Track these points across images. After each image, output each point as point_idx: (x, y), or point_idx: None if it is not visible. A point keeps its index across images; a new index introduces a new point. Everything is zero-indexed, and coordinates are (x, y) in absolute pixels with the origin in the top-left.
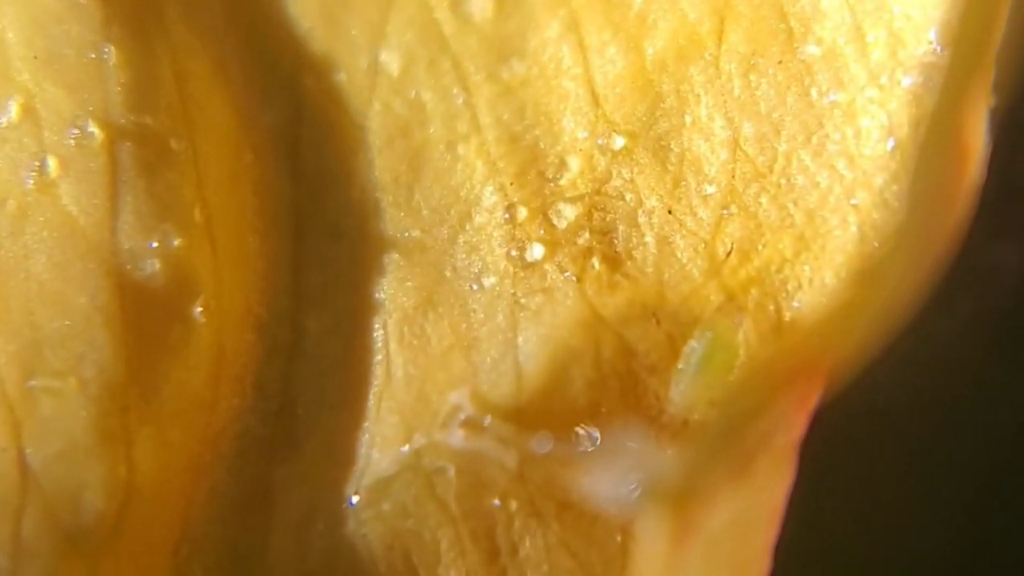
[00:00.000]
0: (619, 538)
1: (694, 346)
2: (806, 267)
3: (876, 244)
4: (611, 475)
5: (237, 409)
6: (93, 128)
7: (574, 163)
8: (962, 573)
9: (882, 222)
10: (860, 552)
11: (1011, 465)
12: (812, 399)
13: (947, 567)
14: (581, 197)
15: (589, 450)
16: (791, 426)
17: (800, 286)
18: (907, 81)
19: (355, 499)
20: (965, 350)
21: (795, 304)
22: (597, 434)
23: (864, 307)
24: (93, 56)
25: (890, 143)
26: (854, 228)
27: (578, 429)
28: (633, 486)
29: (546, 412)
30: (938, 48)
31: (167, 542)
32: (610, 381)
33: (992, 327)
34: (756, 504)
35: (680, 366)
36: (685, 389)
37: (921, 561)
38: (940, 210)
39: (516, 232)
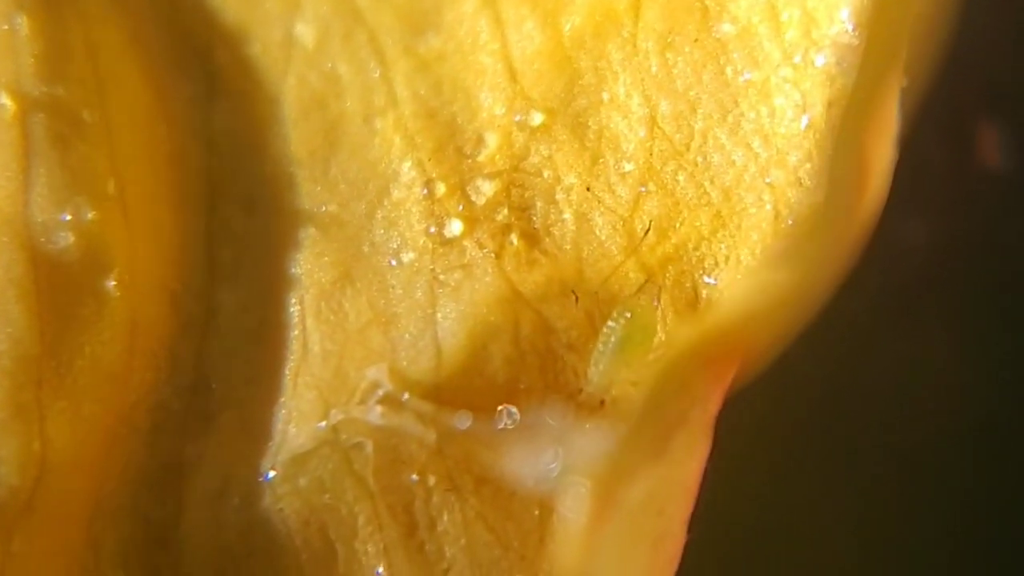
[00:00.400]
0: (536, 512)
1: (612, 326)
2: (723, 245)
3: (790, 222)
4: (530, 452)
5: (151, 383)
6: (5, 99)
7: (492, 139)
8: (873, 546)
9: (796, 200)
10: (771, 525)
11: (919, 441)
12: (729, 375)
13: (859, 539)
14: (499, 173)
15: (508, 427)
16: (708, 402)
17: (717, 263)
18: (820, 60)
19: (271, 474)
20: (873, 327)
21: (712, 281)
22: (516, 411)
23: (782, 287)
24: (5, 27)
25: (804, 122)
26: (769, 206)
27: (498, 407)
28: (552, 464)
29: (465, 388)
30: (850, 28)
31: (81, 515)
32: (529, 358)
33: (900, 304)
34: (672, 479)
35: (599, 347)
36: (604, 369)
37: (832, 533)
38: (857, 190)
39: (434, 208)
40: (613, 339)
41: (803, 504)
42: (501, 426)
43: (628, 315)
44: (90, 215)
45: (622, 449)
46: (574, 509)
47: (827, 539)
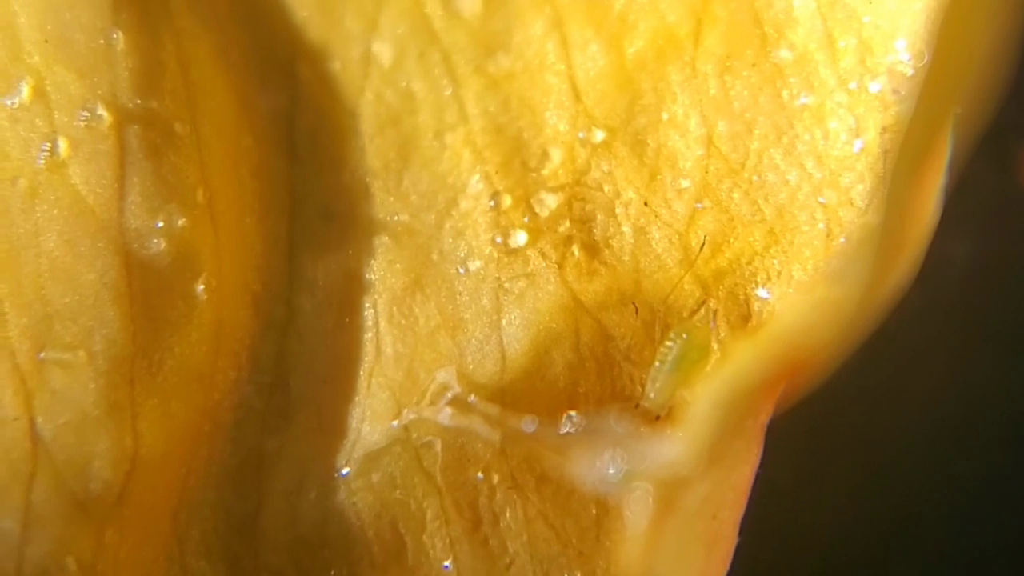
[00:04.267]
0: (594, 511)
1: (669, 346)
2: (775, 260)
3: (843, 240)
4: (592, 456)
5: (234, 382)
6: (102, 111)
7: (556, 154)
8: (914, 550)
9: (848, 220)
10: (817, 528)
11: (960, 455)
12: (782, 386)
13: (899, 542)
14: (562, 187)
15: (571, 432)
16: (760, 411)
17: (769, 278)
18: (875, 87)
19: (346, 470)
20: (916, 342)
21: (765, 295)
22: (578, 416)
23: (838, 305)
24: (102, 41)
25: (857, 145)
26: (821, 225)
27: (562, 413)
28: (612, 468)
29: (528, 391)
30: (906, 58)
31: (167, 508)
32: (588, 364)
33: (943, 322)
34: (727, 484)
35: (656, 364)
36: (661, 386)
37: (873, 538)
38: (912, 213)
39: (500, 219)
40: (670, 358)
41: (848, 515)
42: (564, 431)
43: (685, 336)
44: (181, 222)
45: (682, 457)
46: (636, 512)
47: (861, 549)
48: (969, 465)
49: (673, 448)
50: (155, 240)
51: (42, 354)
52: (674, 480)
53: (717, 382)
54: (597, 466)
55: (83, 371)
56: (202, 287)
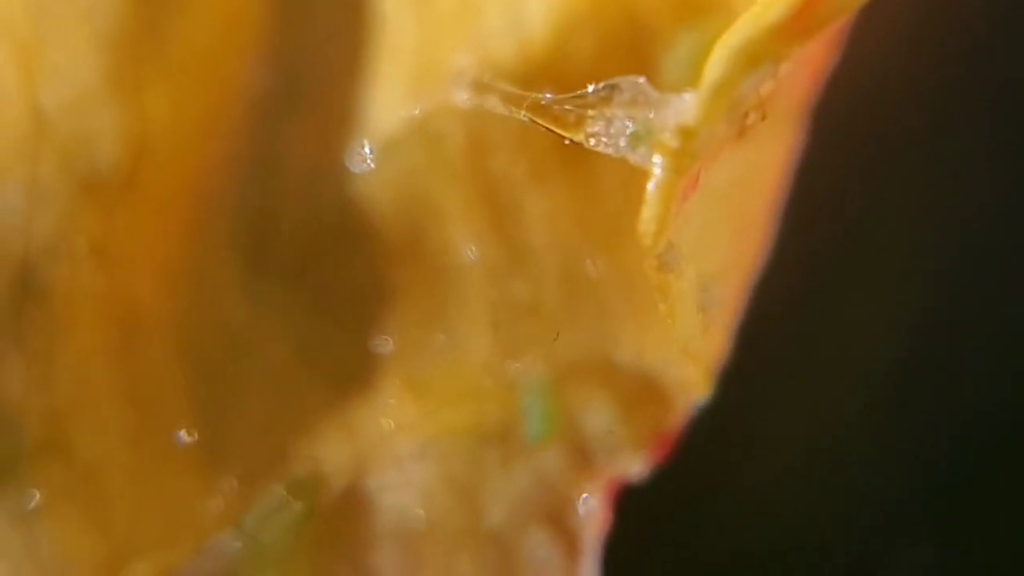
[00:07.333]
0: (619, 198)
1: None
2: None
3: None
4: (610, 118)
5: (246, 69)
6: None
7: None
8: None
9: None
10: (858, 218)
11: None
12: (822, 62)
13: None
14: None
15: (591, 98)
16: (796, 87)
17: None
18: None
19: (363, 164)
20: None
21: None
22: (598, 86)
23: None
24: None
25: None
26: None
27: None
28: (631, 127)
29: (551, 77)
30: None
31: (183, 200)
32: (613, 50)
33: None
34: (758, 165)
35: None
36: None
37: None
38: None
39: None
40: (683, 55)
41: (889, 196)
42: (584, 97)
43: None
44: None
45: (698, 106)
46: (658, 185)
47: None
48: None
49: (689, 101)
50: None
51: (43, 29)
52: (697, 152)
53: (731, 32)
54: (615, 128)
55: (85, 47)
56: None
